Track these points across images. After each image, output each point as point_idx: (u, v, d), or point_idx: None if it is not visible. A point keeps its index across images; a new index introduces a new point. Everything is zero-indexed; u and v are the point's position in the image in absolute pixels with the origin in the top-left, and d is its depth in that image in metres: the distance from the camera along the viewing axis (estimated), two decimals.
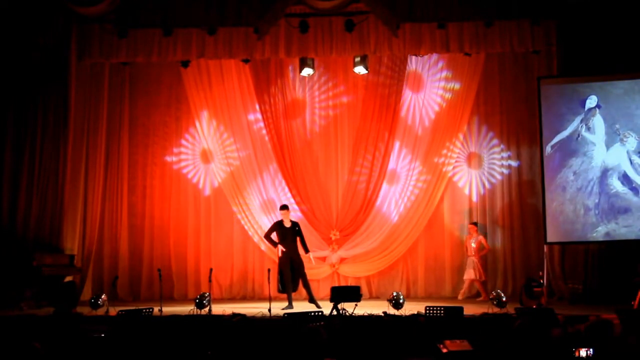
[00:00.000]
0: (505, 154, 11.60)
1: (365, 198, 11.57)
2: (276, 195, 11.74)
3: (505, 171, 11.58)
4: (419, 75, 11.72)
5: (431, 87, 11.69)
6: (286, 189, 11.71)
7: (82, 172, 11.18)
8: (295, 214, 11.65)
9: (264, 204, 11.70)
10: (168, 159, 11.99)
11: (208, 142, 11.82)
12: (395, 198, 11.62)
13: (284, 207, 10.04)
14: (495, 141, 11.68)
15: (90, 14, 10.07)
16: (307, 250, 9.89)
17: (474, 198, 11.65)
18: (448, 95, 11.58)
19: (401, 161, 11.66)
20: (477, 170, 11.68)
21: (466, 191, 11.70)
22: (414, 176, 11.56)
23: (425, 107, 11.67)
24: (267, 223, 11.50)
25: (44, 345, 4.84)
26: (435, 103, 11.67)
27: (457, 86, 11.53)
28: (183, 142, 12.06)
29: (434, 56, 11.48)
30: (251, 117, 11.86)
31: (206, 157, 11.95)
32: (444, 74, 11.65)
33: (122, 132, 11.90)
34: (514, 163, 11.57)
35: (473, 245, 10.92)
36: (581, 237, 10.07)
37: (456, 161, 11.62)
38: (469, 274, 10.90)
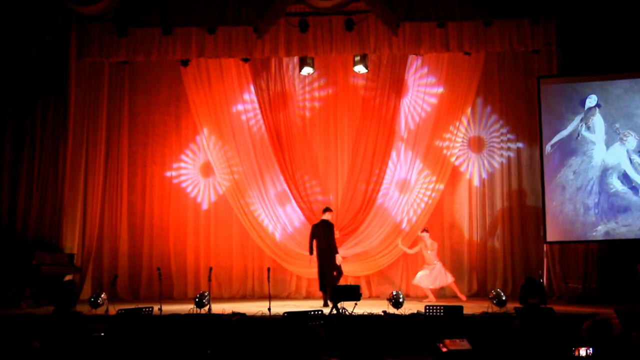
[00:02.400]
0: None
1: (365, 197, 11.55)
2: (276, 195, 11.73)
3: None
4: (418, 75, 11.70)
5: (431, 86, 11.66)
6: (287, 188, 11.69)
7: (82, 171, 11.20)
8: (295, 213, 11.67)
9: (265, 205, 11.67)
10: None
11: (210, 145, 11.76)
12: (395, 196, 11.60)
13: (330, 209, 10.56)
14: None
15: (90, 13, 10.06)
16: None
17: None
18: (447, 95, 11.55)
19: (402, 159, 11.62)
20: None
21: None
22: (414, 174, 11.54)
23: (424, 105, 11.62)
24: (268, 225, 11.55)
25: (44, 344, 4.84)
26: (434, 103, 11.63)
27: (456, 86, 11.49)
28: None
29: (433, 56, 11.46)
30: (251, 117, 11.82)
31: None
32: (442, 73, 11.61)
33: (121, 130, 11.90)
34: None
35: (430, 252, 10.54)
36: (581, 237, 10.07)
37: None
38: (447, 280, 10.43)
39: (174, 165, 12.00)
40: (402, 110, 11.64)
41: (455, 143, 11.49)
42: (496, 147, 11.69)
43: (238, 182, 11.67)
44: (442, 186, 11.46)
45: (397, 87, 11.58)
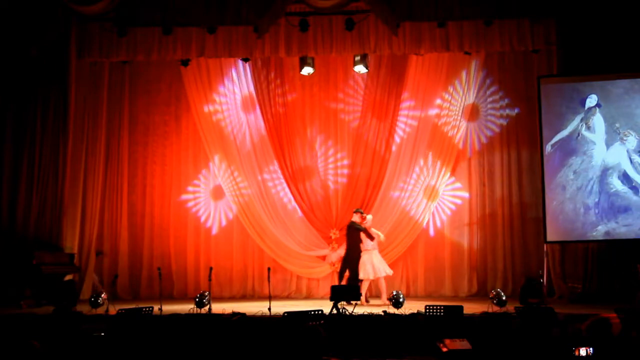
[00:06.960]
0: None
1: (365, 196, 11.55)
2: (276, 194, 11.73)
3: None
4: (420, 75, 11.71)
5: (433, 86, 11.65)
6: (286, 188, 11.69)
7: (82, 171, 11.20)
8: (295, 213, 11.66)
9: (264, 204, 11.67)
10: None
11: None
12: (395, 196, 11.59)
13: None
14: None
15: (90, 13, 10.06)
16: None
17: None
18: (449, 95, 11.58)
19: (402, 158, 11.62)
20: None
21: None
22: (413, 174, 11.53)
23: (425, 102, 11.62)
24: (269, 224, 11.53)
25: (44, 343, 4.85)
26: (436, 105, 11.64)
27: (456, 84, 11.51)
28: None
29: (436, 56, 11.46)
30: (251, 115, 11.82)
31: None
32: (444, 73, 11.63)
33: (122, 130, 11.90)
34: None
35: (381, 235, 10.32)
36: (581, 236, 10.07)
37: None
38: (382, 270, 10.07)
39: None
40: (403, 109, 11.66)
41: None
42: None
43: (237, 181, 11.69)
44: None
45: (399, 86, 11.58)
